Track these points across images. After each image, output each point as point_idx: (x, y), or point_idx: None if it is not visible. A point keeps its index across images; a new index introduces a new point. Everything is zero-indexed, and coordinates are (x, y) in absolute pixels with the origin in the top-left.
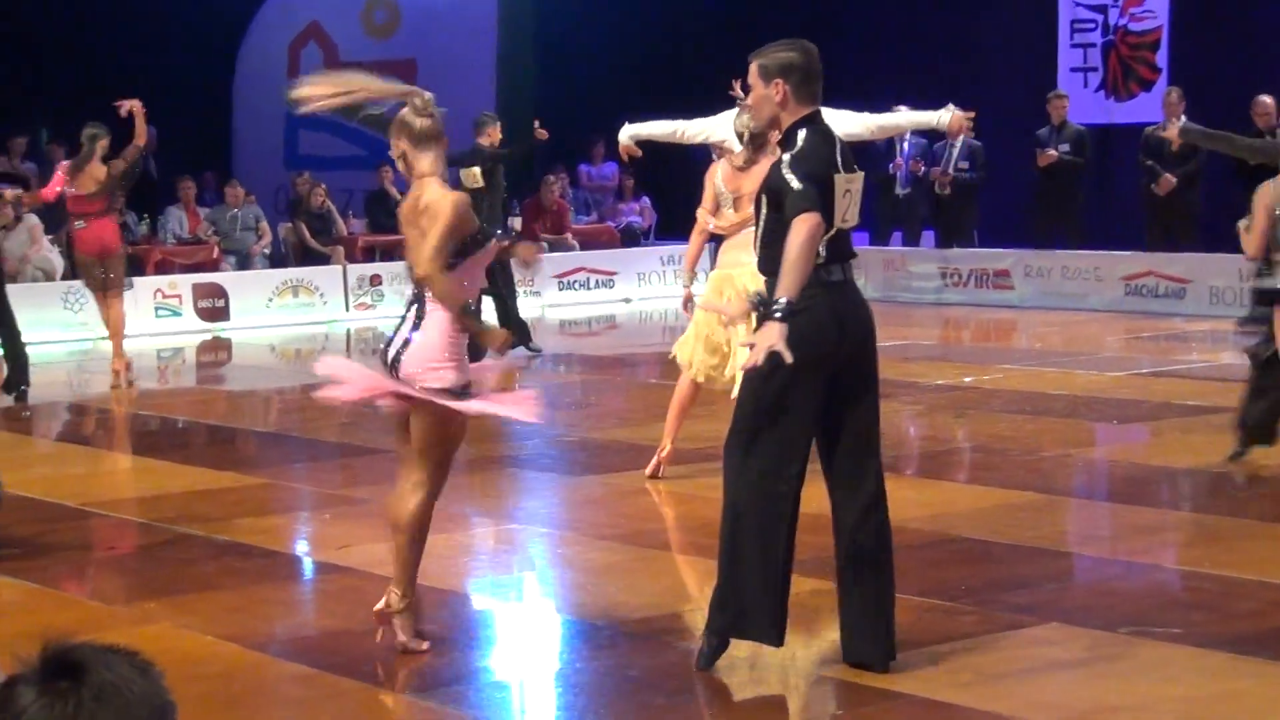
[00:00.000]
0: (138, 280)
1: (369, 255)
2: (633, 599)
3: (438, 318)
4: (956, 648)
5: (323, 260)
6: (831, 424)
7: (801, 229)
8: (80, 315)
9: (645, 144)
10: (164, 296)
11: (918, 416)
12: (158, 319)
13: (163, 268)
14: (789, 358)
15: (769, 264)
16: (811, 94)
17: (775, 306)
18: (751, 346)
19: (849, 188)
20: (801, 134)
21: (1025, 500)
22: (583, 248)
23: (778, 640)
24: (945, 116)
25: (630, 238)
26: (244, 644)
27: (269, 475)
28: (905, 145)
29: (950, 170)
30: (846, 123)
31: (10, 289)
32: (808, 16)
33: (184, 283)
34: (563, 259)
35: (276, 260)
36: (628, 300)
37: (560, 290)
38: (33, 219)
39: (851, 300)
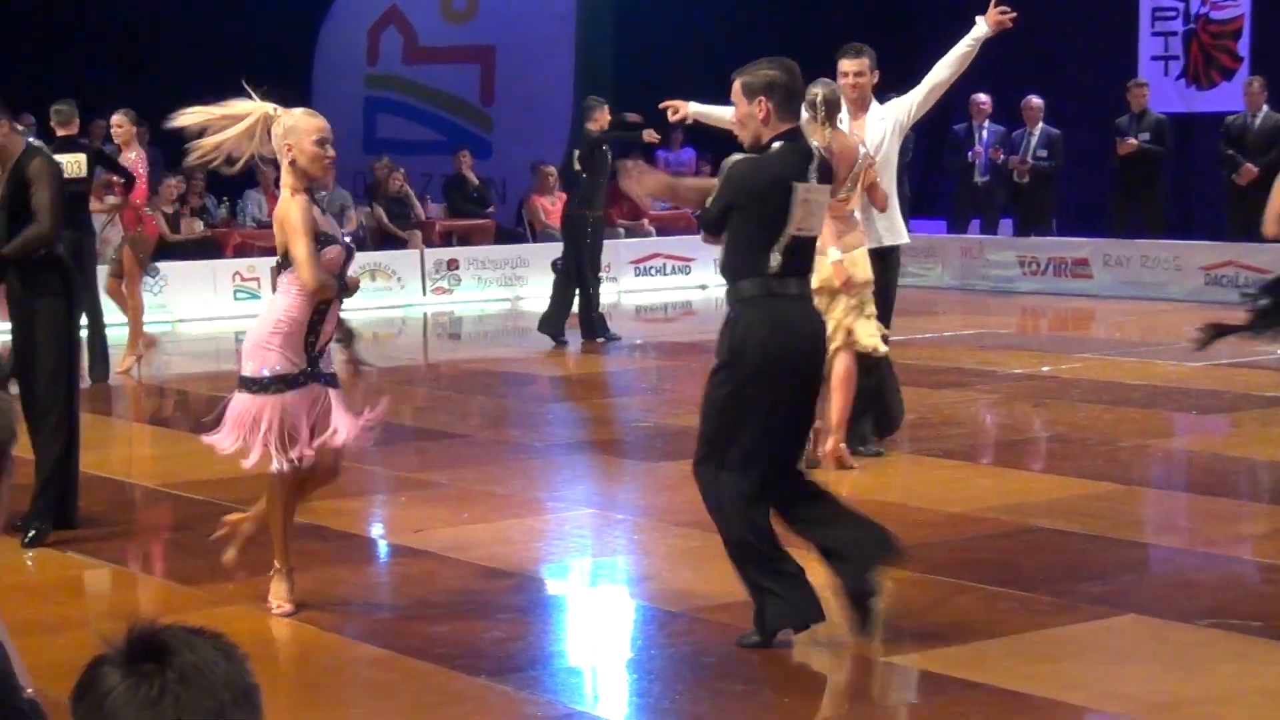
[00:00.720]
0: (217, 263)
1: (446, 240)
2: (708, 586)
3: (276, 301)
4: (1034, 638)
5: (400, 244)
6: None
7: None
8: (160, 298)
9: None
10: (242, 279)
11: (995, 405)
12: (236, 301)
13: (241, 251)
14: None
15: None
16: (794, 111)
17: None
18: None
19: (809, 197)
20: (775, 145)
21: (1103, 490)
22: (659, 234)
23: (801, 622)
24: (981, 27)
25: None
26: (321, 626)
27: (345, 458)
28: (984, 133)
29: (1029, 158)
30: (906, 107)
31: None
32: (886, 4)
33: (262, 266)
34: (639, 245)
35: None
36: (704, 286)
37: (636, 276)
38: (113, 200)
39: (799, 314)
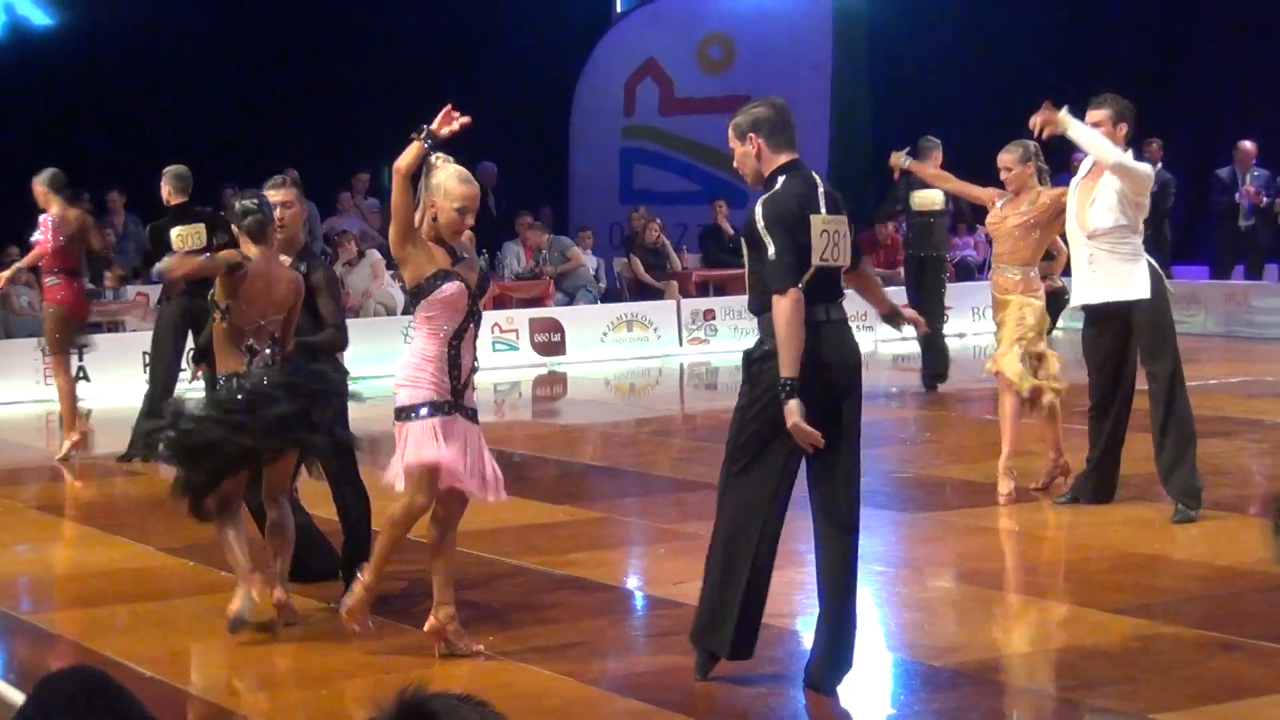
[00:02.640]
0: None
1: (703, 290)
2: (972, 640)
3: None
4: None
5: (656, 295)
6: (814, 458)
7: (783, 306)
8: None
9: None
10: (501, 331)
11: (1262, 455)
12: (495, 353)
13: (500, 303)
14: (814, 436)
15: (755, 305)
16: (786, 141)
17: (782, 387)
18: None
19: (827, 228)
20: (780, 179)
21: None
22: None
23: (729, 652)
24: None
25: (964, 272)
26: (580, 679)
27: (603, 509)
28: (1251, 176)
29: None
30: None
31: (351, 324)
32: (1151, 39)
33: (521, 317)
34: (895, 293)
35: (610, 294)
36: (961, 335)
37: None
38: (375, 254)
39: (834, 340)
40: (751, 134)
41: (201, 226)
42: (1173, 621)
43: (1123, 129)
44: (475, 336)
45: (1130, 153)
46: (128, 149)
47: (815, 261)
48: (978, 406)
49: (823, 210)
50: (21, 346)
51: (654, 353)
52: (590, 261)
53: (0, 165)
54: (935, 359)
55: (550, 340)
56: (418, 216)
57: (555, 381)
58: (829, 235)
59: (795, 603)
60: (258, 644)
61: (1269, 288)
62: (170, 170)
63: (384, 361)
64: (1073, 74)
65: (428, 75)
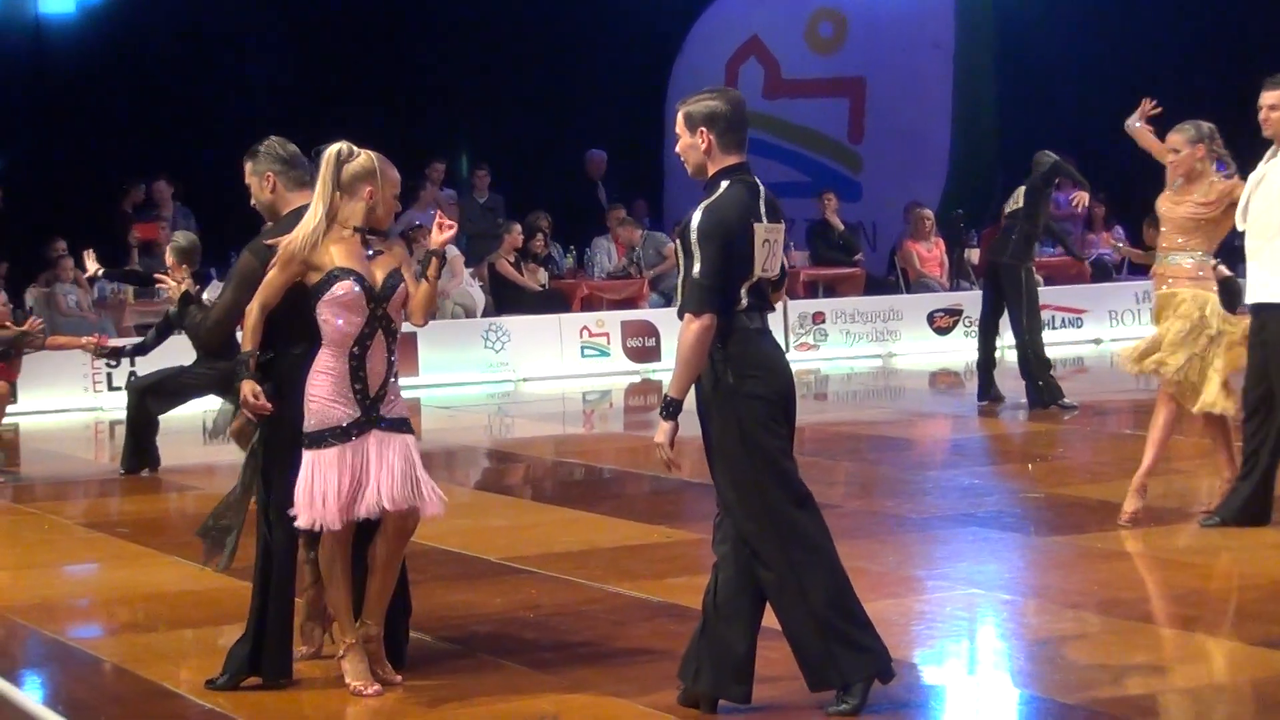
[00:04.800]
0: (564, 317)
1: (811, 291)
2: (1106, 675)
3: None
4: None
5: None
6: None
7: (694, 330)
8: (501, 354)
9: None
10: (590, 335)
11: None
12: (584, 359)
13: (589, 304)
14: (668, 457)
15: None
16: (737, 143)
17: (665, 407)
18: None
19: (769, 237)
20: (723, 184)
21: None
22: (1047, 283)
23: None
24: None
25: (1101, 272)
26: (678, 715)
27: (701, 530)
28: None
29: None
30: None
31: (428, 326)
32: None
33: (611, 320)
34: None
35: None
36: (1098, 341)
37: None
38: (454, 250)
39: (773, 348)
40: (704, 128)
41: None
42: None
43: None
44: (387, 345)
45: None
46: (177, 137)
47: (756, 272)
48: (1115, 420)
49: (764, 219)
50: (69, 352)
51: None
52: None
53: (49, 155)
54: (1032, 384)
55: (644, 345)
56: (343, 207)
57: (649, 390)
58: (769, 245)
59: (914, 633)
60: (324, 679)
61: None
62: (174, 245)
63: (464, 369)
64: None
65: (512, 56)
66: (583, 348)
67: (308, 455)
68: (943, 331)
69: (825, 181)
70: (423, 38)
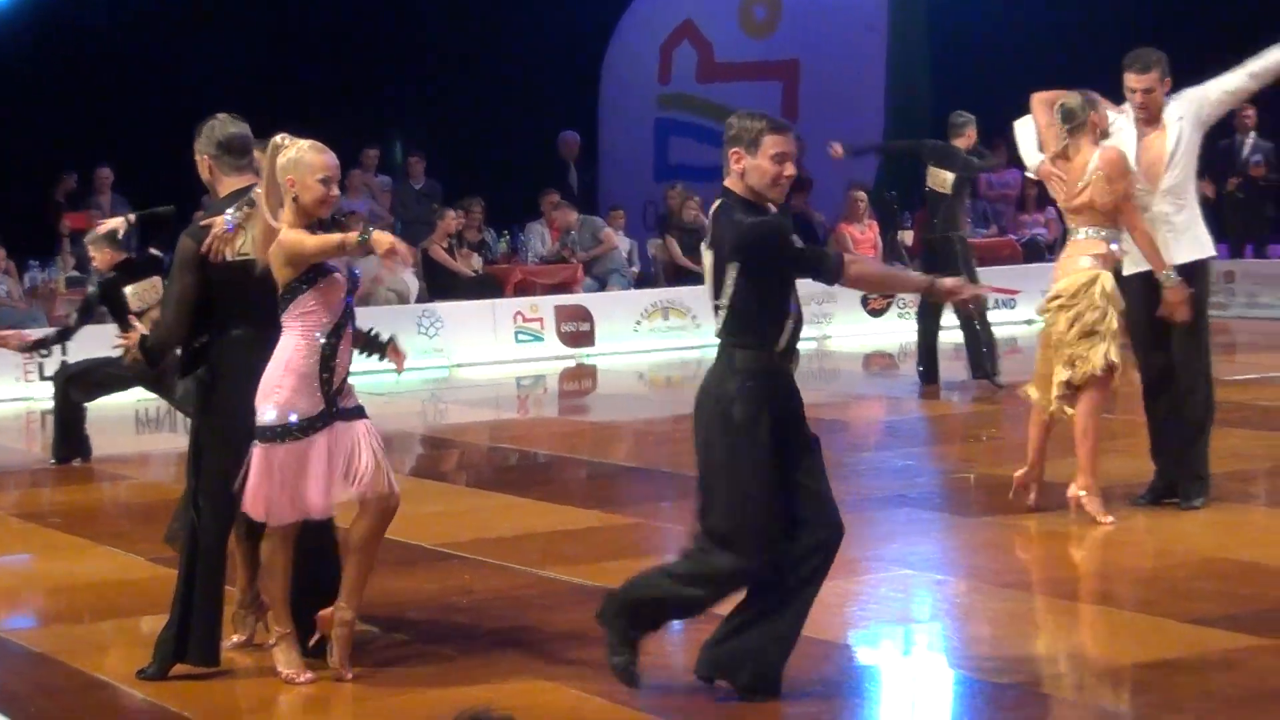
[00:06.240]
0: (497, 303)
1: None
2: (1041, 654)
3: (284, 340)
4: None
5: (695, 279)
6: None
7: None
8: (435, 341)
9: None
10: (524, 320)
11: None
12: (518, 344)
13: (523, 289)
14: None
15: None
16: None
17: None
18: None
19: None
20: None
21: None
22: (981, 264)
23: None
24: None
25: (1034, 252)
26: (614, 700)
27: (637, 514)
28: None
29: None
30: (1202, 99)
31: (361, 312)
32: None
33: (546, 305)
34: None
35: (645, 280)
36: (1030, 322)
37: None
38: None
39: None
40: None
41: (157, 280)
42: (1265, 634)
43: (1168, 84)
44: (352, 337)
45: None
46: (117, 123)
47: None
48: None
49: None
50: None
51: (692, 343)
52: (622, 244)
53: None
54: (975, 352)
55: (578, 330)
56: (274, 209)
57: (584, 375)
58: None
59: (847, 614)
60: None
61: None
62: (92, 238)
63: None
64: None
65: (445, 40)
66: (517, 333)
67: (261, 448)
68: (876, 314)
69: None
70: (358, 24)
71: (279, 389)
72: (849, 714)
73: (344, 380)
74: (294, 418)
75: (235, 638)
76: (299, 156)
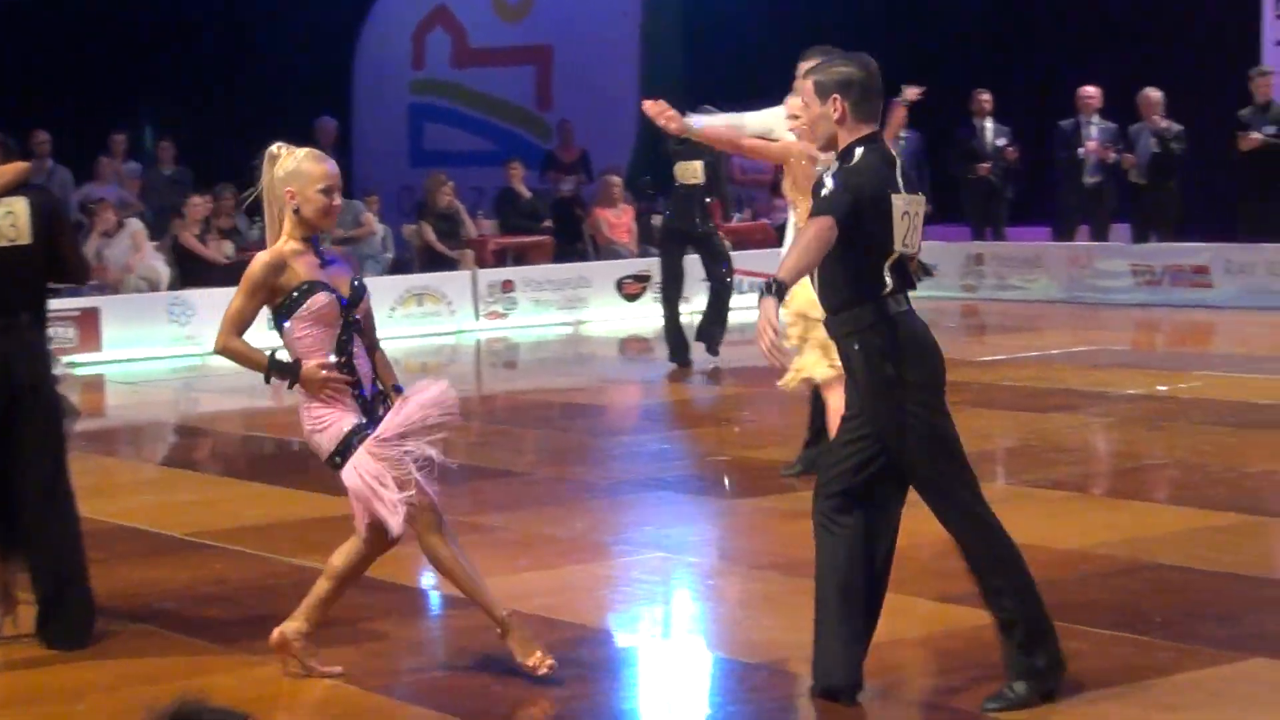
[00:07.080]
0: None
1: (500, 259)
2: (791, 635)
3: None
4: (1154, 686)
5: (450, 265)
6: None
7: (820, 225)
8: (187, 328)
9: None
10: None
11: (1108, 429)
12: (272, 332)
13: None
14: (771, 340)
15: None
16: (871, 111)
17: (768, 285)
18: None
19: (908, 209)
20: (859, 151)
21: (1228, 522)
22: (735, 248)
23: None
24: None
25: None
26: (365, 686)
27: None
28: (1092, 129)
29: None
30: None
31: (111, 301)
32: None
33: None
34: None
35: (400, 266)
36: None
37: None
38: (136, 224)
39: (918, 328)
40: (837, 95)
41: None
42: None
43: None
44: (364, 347)
45: None
46: None
47: (896, 246)
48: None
49: (902, 190)
50: None
51: (447, 328)
52: (378, 229)
53: None
54: (709, 319)
55: None
56: (274, 221)
57: None
58: (910, 218)
59: (601, 598)
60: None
61: (1113, 249)
62: None
63: (149, 344)
64: (905, 24)
65: (197, 26)
66: (269, 321)
67: (350, 468)
68: (632, 298)
69: (512, 150)
70: (106, 4)
71: (320, 418)
72: (603, 697)
73: (374, 386)
74: (347, 427)
75: None
76: (297, 167)
